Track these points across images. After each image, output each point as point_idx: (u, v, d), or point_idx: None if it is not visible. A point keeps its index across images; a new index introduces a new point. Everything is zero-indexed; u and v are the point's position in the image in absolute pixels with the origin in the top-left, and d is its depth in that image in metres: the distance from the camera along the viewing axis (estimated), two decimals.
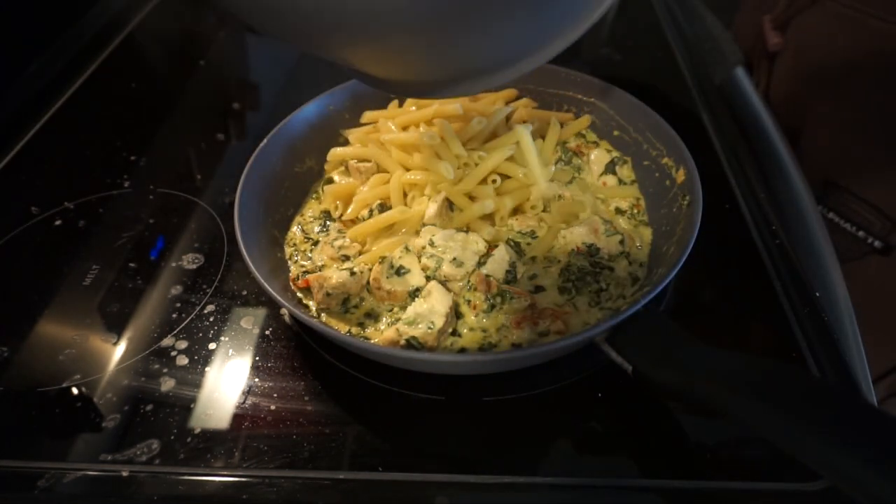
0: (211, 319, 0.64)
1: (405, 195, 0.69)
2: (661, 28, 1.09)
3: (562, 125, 0.77)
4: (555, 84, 0.82)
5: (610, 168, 0.74)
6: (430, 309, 0.58)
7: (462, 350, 0.58)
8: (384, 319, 0.61)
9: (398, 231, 0.67)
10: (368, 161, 0.73)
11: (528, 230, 0.67)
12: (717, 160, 0.80)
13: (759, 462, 0.52)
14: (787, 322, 0.61)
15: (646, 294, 0.54)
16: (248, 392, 0.58)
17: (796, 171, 0.82)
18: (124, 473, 0.51)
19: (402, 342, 0.56)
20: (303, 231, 0.70)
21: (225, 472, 0.52)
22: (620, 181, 0.74)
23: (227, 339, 0.62)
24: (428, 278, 0.62)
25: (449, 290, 0.61)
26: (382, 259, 0.63)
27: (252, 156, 0.68)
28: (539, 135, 0.76)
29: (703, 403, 0.46)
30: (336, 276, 0.61)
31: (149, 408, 0.56)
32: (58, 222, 0.76)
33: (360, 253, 0.67)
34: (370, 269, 0.63)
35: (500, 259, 0.63)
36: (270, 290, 0.56)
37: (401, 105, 0.80)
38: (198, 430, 0.54)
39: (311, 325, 0.55)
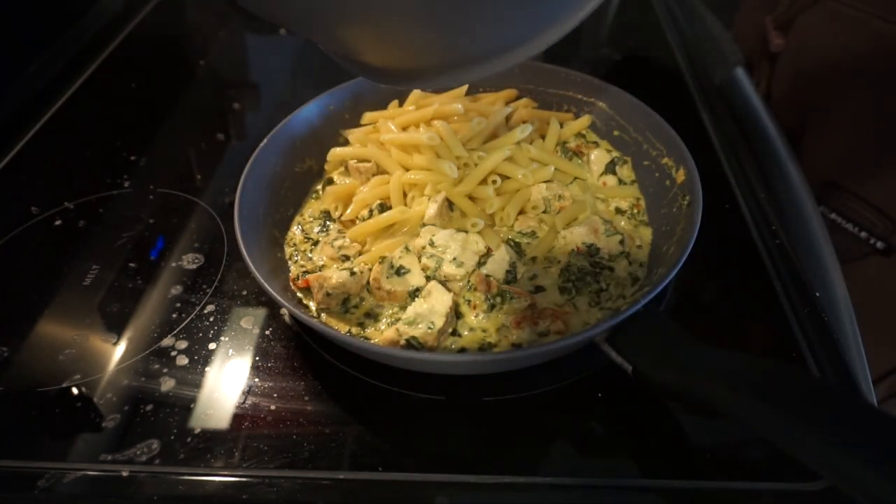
0: (211, 319, 0.64)
1: (405, 195, 0.69)
2: (661, 28, 1.09)
3: (561, 125, 0.77)
4: (555, 84, 0.82)
5: (610, 168, 0.74)
6: (431, 309, 0.58)
7: (462, 350, 0.58)
8: (384, 319, 0.61)
9: (398, 231, 0.67)
10: (368, 161, 0.73)
11: (529, 230, 0.67)
12: (717, 160, 0.80)
13: (759, 462, 0.52)
14: (787, 322, 0.61)
15: (646, 294, 0.54)
16: (248, 392, 0.58)
17: (796, 171, 0.82)
18: (124, 473, 0.51)
19: (402, 342, 0.56)
20: (303, 231, 0.70)
21: (225, 472, 0.52)
22: (620, 181, 0.74)
23: (227, 339, 0.62)
24: (428, 278, 0.62)
25: (449, 290, 0.61)
26: (382, 259, 0.63)
27: (252, 156, 0.68)
28: (539, 134, 0.76)
29: (703, 403, 0.46)
30: (336, 276, 0.61)
31: (149, 408, 0.56)
32: (58, 222, 0.76)
33: (360, 253, 0.66)
34: (370, 270, 0.63)
35: (501, 259, 0.63)
36: (270, 290, 0.56)
37: (401, 105, 0.80)
38: (198, 430, 0.54)
39: (311, 325, 0.55)
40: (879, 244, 0.84)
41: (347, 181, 0.74)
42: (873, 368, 0.62)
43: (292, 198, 0.73)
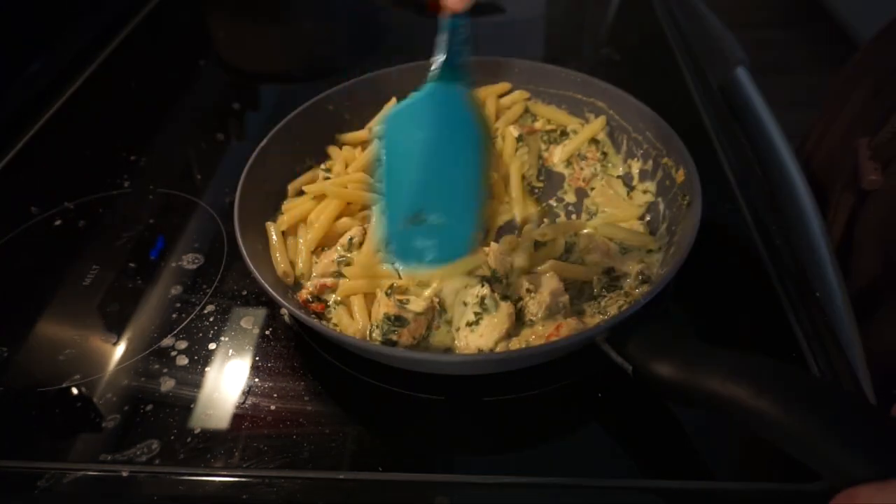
0: (211, 319, 0.64)
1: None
2: (661, 28, 1.09)
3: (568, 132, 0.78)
4: (555, 84, 0.82)
5: (627, 180, 0.74)
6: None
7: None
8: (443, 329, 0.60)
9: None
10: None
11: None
12: (717, 160, 0.80)
13: (759, 462, 0.52)
14: (787, 322, 0.61)
15: (646, 294, 0.54)
16: (248, 392, 0.58)
17: (797, 171, 0.82)
18: (124, 473, 0.51)
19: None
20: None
21: (225, 472, 0.51)
22: (631, 189, 0.74)
23: (227, 339, 0.62)
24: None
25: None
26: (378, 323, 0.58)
27: (252, 156, 0.68)
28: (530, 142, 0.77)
29: (703, 403, 0.46)
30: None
31: (149, 408, 0.56)
32: (58, 222, 0.76)
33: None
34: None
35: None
36: (270, 290, 0.56)
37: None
38: (198, 430, 0.54)
39: (311, 325, 0.55)
40: None
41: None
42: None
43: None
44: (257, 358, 0.60)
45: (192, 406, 0.56)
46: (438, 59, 0.55)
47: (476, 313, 0.57)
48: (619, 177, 0.75)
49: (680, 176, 0.67)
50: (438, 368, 0.57)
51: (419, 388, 0.57)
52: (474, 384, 0.58)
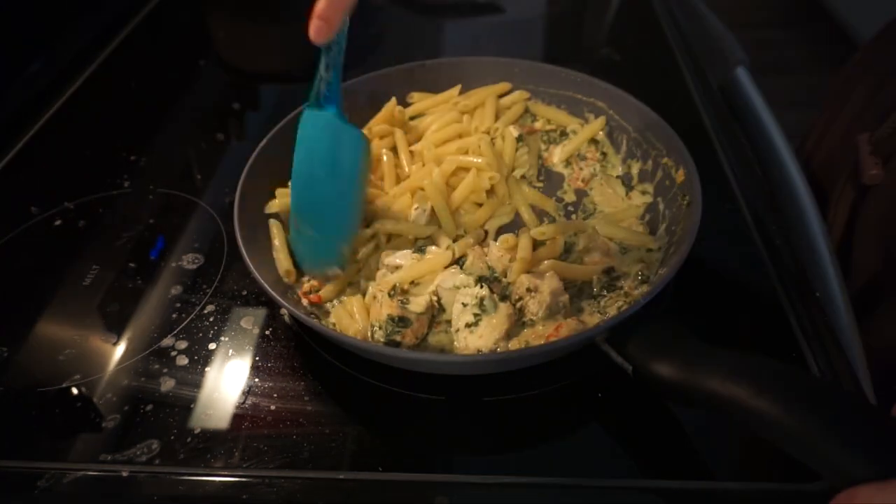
0: (211, 319, 0.64)
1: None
2: (661, 28, 1.09)
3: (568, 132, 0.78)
4: (555, 84, 0.82)
5: (627, 180, 0.74)
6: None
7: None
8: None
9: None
10: None
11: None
12: (717, 160, 0.80)
13: (759, 462, 0.52)
14: (787, 322, 0.61)
15: (646, 294, 0.54)
16: (248, 392, 0.58)
17: (797, 170, 0.82)
18: (124, 473, 0.51)
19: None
20: None
21: (225, 472, 0.51)
22: (630, 189, 0.73)
23: (227, 339, 0.62)
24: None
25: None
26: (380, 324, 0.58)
27: (252, 156, 0.68)
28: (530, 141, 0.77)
29: (702, 403, 0.46)
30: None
31: (149, 408, 0.56)
32: (58, 222, 0.76)
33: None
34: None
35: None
36: (270, 290, 0.56)
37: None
38: (198, 430, 0.54)
39: (311, 325, 0.55)
40: None
41: None
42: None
43: None
44: (257, 358, 0.60)
45: (192, 406, 0.56)
46: (315, 83, 0.59)
47: (475, 314, 0.57)
48: (618, 177, 0.75)
49: (680, 176, 0.67)
50: (438, 368, 0.57)
51: (419, 388, 0.57)
52: (474, 384, 0.58)
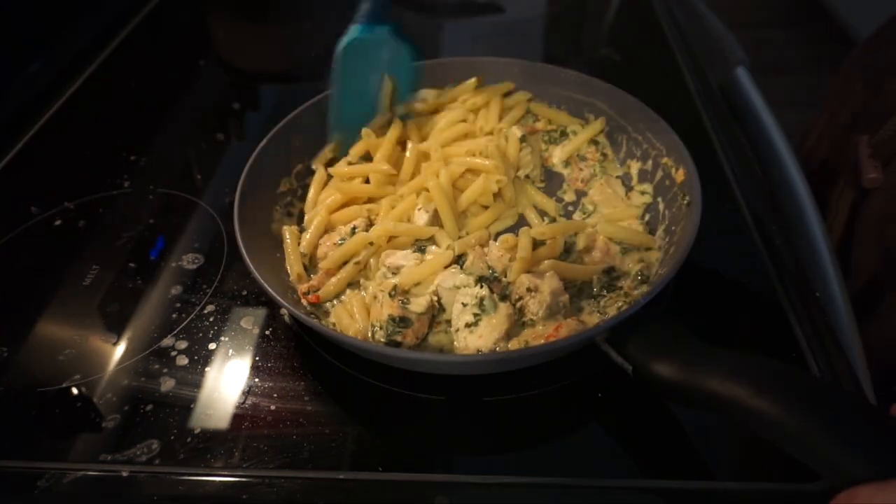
0: (211, 319, 0.64)
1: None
2: (661, 28, 1.09)
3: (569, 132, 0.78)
4: (555, 84, 0.82)
5: (626, 180, 0.74)
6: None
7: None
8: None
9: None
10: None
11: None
12: (717, 160, 0.80)
13: (759, 462, 0.52)
14: (787, 322, 0.61)
15: (646, 294, 0.54)
16: (248, 392, 0.58)
17: (797, 170, 0.82)
18: (124, 473, 0.51)
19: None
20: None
21: (225, 472, 0.51)
22: (629, 189, 0.73)
23: (227, 339, 0.62)
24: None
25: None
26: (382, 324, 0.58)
27: (252, 156, 0.68)
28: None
29: (702, 403, 0.46)
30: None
31: (149, 408, 0.56)
32: (58, 222, 0.76)
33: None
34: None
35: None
36: (270, 290, 0.56)
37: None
38: (198, 430, 0.54)
39: (311, 325, 0.55)
40: None
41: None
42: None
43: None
44: (257, 358, 0.60)
45: (192, 406, 0.56)
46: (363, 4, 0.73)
47: (475, 314, 0.57)
48: (618, 177, 0.75)
49: (680, 176, 0.67)
50: (438, 368, 0.57)
51: (419, 388, 0.57)
52: (474, 384, 0.58)
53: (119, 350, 0.61)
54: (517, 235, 0.63)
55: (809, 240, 0.74)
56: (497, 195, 0.71)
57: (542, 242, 0.64)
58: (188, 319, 0.64)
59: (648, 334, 0.51)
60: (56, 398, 0.58)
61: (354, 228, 0.67)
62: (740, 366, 0.44)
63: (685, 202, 0.64)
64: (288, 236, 0.68)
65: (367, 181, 0.73)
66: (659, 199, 0.70)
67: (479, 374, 0.58)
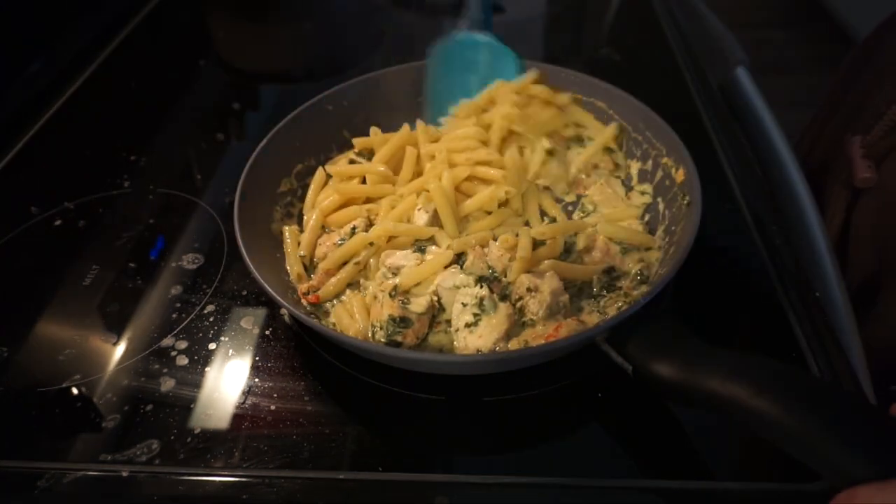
0: (211, 319, 0.64)
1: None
2: (661, 28, 1.09)
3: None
4: (555, 84, 0.81)
5: (626, 181, 0.74)
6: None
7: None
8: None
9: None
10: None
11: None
12: (717, 160, 0.80)
13: (759, 462, 0.52)
14: (787, 322, 0.61)
15: (646, 294, 0.54)
16: (248, 392, 0.58)
17: (797, 171, 0.82)
18: (124, 473, 0.51)
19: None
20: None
21: (225, 472, 0.52)
22: (629, 189, 0.73)
23: (227, 339, 0.62)
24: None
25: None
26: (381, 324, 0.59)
27: (252, 156, 0.68)
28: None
29: (702, 403, 0.46)
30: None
31: (149, 408, 0.56)
32: (58, 222, 0.76)
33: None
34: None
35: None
36: (270, 290, 0.56)
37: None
38: (198, 430, 0.54)
39: (311, 325, 0.55)
40: None
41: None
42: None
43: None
44: (257, 358, 0.60)
45: (192, 406, 0.56)
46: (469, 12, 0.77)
47: (475, 314, 0.57)
48: (617, 177, 0.75)
49: (680, 176, 0.67)
50: (438, 368, 0.57)
51: (419, 388, 0.57)
52: (474, 384, 0.58)
53: (119, 350, 0.61)
54: (517, 235, 0.63)
55: (809, 240, 0.74)
56: (504, 202, 0.69)
57: (542, 242, 0.64)
58: (188, 319, 0.64)
59: (648, 334, 0.51)
60: (56, 398, 0.58)
61: (354, 229, 0.67)
62: (740, 366, 0.44)
63: (685, 202, 0.64)
64: (288, 236, 0.68)
65: (364, 181, 0.73)
66: (659, 199, 0.70)
67: (479, 374, 0.57)
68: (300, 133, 0.75)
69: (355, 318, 0.60)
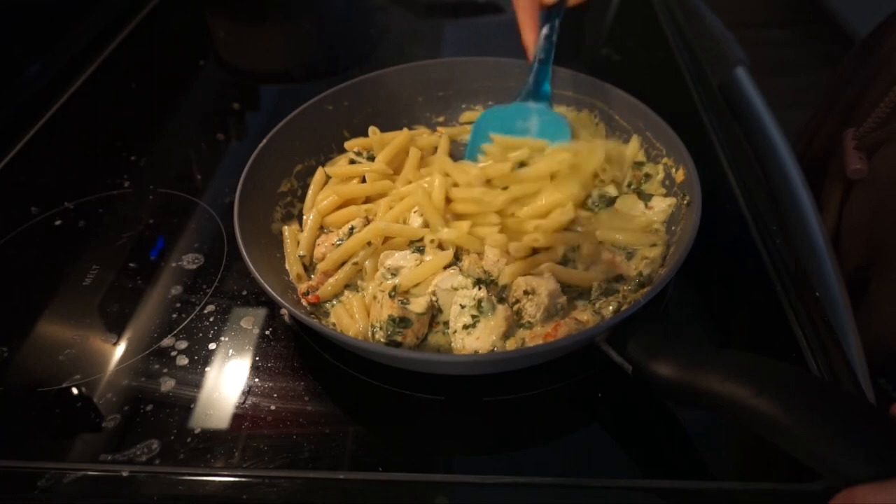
0: (211, 319, 0.64)
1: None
2: (661, 28, 1.09)
3: None
4: (555, 84, 0.81)
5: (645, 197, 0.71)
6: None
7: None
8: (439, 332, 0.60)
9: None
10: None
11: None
12: (717, 160, 0.80)
13: (759, 462, 0.52)
14: (787, 322, 0.61)
15: (646, 294, 0.54)
16: (248, 392, 0.58)
17: (796, 170, 0.82)
18: (124, 473, 0.51)
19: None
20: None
21: (225, 472, 0.52)
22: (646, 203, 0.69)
23: (227, 339, 0.62)
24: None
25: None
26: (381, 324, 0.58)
27: (252, 156, 0.68)
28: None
29: (702, 403, 0.46)
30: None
31: (149, 408, 0.56)
32: (58, 222, 0.76)
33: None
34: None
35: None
36: (270, 290, 0.56)
37: None
38: (198, 430, 0.54)
39: (311, 325, 0.55)
40: None
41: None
42: None
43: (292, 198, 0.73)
44: (257, 358, 0.60)
45: (192, 406, 0.56)
46: (529, 80, 0.75)
47: (473, 316, 0.57)
48: (635, 190, 0.70)
49: (680, 176, 0.67)
50: (438, 369, 0.57)
51: (419, 388, 0.57)
52: (474, 384, 0.58)
53: (119, 350, 0.61)
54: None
55: (809, 240, 0.74)
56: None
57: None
58: (188, 319, 0.64)
59: (648, 334, 0.51)
60: (56, 398, 0.58)
61: (352, 229, 0.67)
62: (740, 366, 0.44)
63: (685, 202, 0.64)
64: (288, 236, 0.68)
65: (363, 181, 0.73)
66: None
67: (479, 374, 0.58)
68: (300, 133, 0.75)
69: (355, 318, 0.60)
